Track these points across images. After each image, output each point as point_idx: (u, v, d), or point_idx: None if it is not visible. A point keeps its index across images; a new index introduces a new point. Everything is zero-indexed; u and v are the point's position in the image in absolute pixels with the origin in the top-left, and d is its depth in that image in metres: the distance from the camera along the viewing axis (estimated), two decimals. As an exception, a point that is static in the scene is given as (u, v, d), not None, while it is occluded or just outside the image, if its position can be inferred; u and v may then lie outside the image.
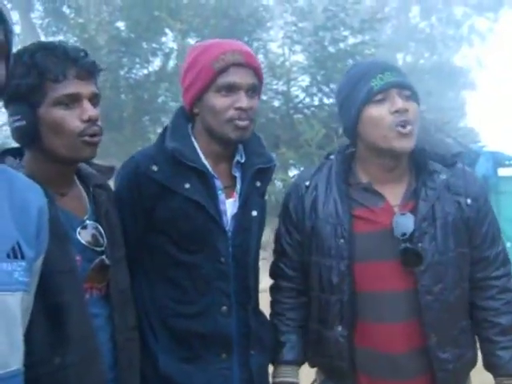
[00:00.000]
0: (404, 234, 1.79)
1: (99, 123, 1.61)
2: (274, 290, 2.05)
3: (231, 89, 1.81)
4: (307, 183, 1.93)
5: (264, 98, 10.09)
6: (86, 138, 1.58)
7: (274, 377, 1.98)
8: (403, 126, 1.76)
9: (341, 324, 1.83)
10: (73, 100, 1.57)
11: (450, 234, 1.82)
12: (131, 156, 1.92)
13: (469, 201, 1.85)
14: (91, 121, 1.58)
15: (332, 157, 1.98)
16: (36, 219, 1.29)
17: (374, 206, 1.85)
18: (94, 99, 1.61)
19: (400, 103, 1.76)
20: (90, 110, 1.57)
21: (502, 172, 10.45)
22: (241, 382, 1.85)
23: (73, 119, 1.56)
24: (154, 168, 1.81)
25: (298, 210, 1.92)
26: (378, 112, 1.78)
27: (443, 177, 1.86)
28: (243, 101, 1.80)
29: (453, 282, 1.82)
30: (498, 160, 10.18)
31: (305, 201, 1.91)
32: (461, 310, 1.88)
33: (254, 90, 1.86)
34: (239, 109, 1.80)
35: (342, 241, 1.82)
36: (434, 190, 1.84)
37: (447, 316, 1.82)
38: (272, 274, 2.05)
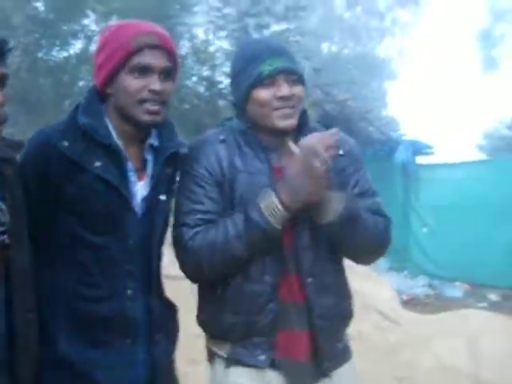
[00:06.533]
0: None
1: (4, 107, 1.51)
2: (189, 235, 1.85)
3: (144, 71, 1.77)
4: (222, 137, 1.94)
5: (188, 83, 9.99)
6: None
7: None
8: (285, 109, 1.87)
9: (268, 274, 1.84)
10: None
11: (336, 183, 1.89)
12: (40, 129, 1.83)
13: (341, 152, 1.93)
14: None
15: (227, 123, 2.01)
16: None
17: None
18: (1, 81, 1.52)
19: (286, 90, 1.86)
20: None
21: (420, 160, 10.84)
22: (145, 367, 1.82)
23: None
24: (65, 143, 1.76)
25: (214, 165, 1.89)
26: (264, 95, 1.87)
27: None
28: (156, 84, 1.77)
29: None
30: (417, 148, 10.54)
31: (220, 154, 1.90)
32: (333, 254, 1.93)
33: (168, 74, 1.82)
34: (152, 91, 1.77)
35: (264, 190, 1.82)
36: None
37: (320, 260, 1.88)
38: (181, 235, 1.86)
